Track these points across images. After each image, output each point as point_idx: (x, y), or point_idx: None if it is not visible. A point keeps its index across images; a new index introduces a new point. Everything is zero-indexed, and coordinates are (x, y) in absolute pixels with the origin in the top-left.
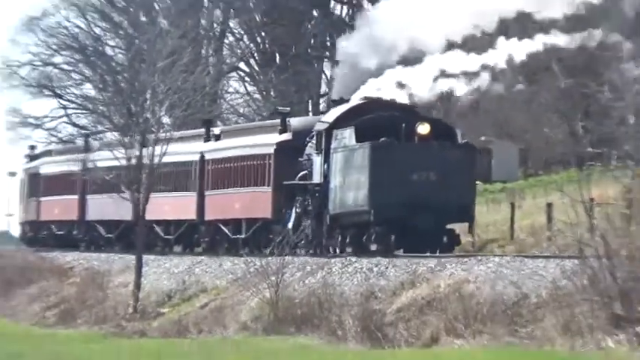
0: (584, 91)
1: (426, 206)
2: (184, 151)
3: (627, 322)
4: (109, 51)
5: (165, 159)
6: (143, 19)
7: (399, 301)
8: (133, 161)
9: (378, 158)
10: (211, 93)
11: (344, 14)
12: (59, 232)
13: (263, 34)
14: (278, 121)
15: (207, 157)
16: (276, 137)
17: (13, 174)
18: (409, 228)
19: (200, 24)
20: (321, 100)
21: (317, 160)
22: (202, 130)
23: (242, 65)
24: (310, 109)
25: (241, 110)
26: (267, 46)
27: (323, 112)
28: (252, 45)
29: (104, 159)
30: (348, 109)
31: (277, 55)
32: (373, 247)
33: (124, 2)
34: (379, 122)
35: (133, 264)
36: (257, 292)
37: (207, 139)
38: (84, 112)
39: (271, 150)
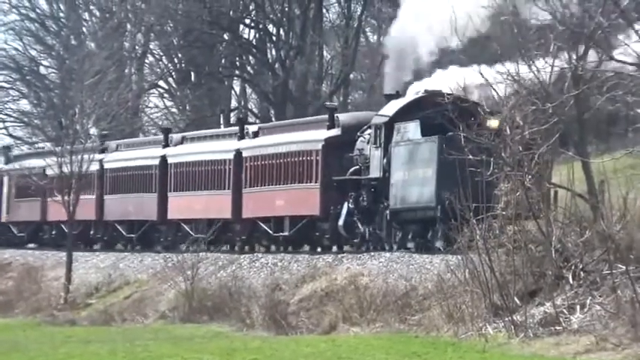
0: None
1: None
2: (215, 149)
3: (504, 311)
4: (42, 70)
5: (193, 158)
6: (73, 42)
7: (300, 292)
8: (64, 169)
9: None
10: (133, 107)
11: (251, 37)
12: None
13: (180, 55)
14: (325, 116)
15: (245, 154)
16: (325, 133)
17: None
18: None
19: (124, 46)
20: (232, 114)
21: (375, 154)
22: (236, 128)
23: (161, 83)
24: (222, 121)
25: (160, 123)
26: (183, 65)
27: (233, 124)
28: (170, 65)
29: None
30: (409, 103)
31: (192, 73)
32: (438, 244)
33: (56, 27)
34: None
35: (64, 260)
36: (174, 285)
37: (241, 137)
38: (20, 124)
39: (319, 146)
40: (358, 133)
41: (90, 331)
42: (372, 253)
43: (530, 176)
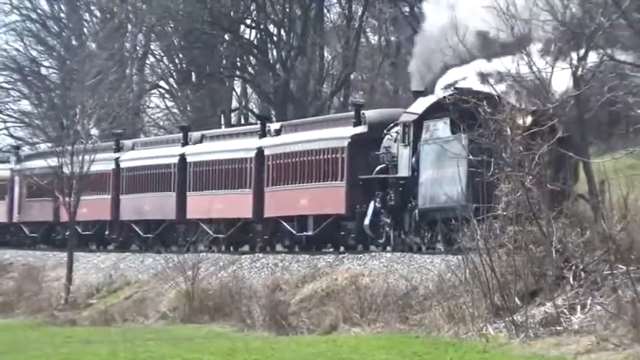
0: None
1: None
2: (236, 147)
3: (505, 311)
4: (43, 71)
5: (213, 156)
6: (74, 42)
7: (301, 292)
8: (65, 170)
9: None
10: (134, 108)
11: (252, 38)
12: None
13: (181, 55)
14: (351, 113)
15: (268, 152)
16: (350, 130)
17: None
18: None
19: (124, 47)
20: (232, 115)
21: (404, 153)
22: (257, 126)
23: (162, 83)
24: (222, 122)
25: (161, 123)
26: (184, 66)
27: (234, 125)
28: (171, 65)
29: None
30: (439, 100)
31: (193, 74)
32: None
33: (57, 27)
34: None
35: (64, 260)
36: (175, 285)
37: (263, 135)
38: (21, 125)
39: (345, 143)
40: (385, 131)
41: (90, 332)
42: (373, 253)
43: (530, 177)
